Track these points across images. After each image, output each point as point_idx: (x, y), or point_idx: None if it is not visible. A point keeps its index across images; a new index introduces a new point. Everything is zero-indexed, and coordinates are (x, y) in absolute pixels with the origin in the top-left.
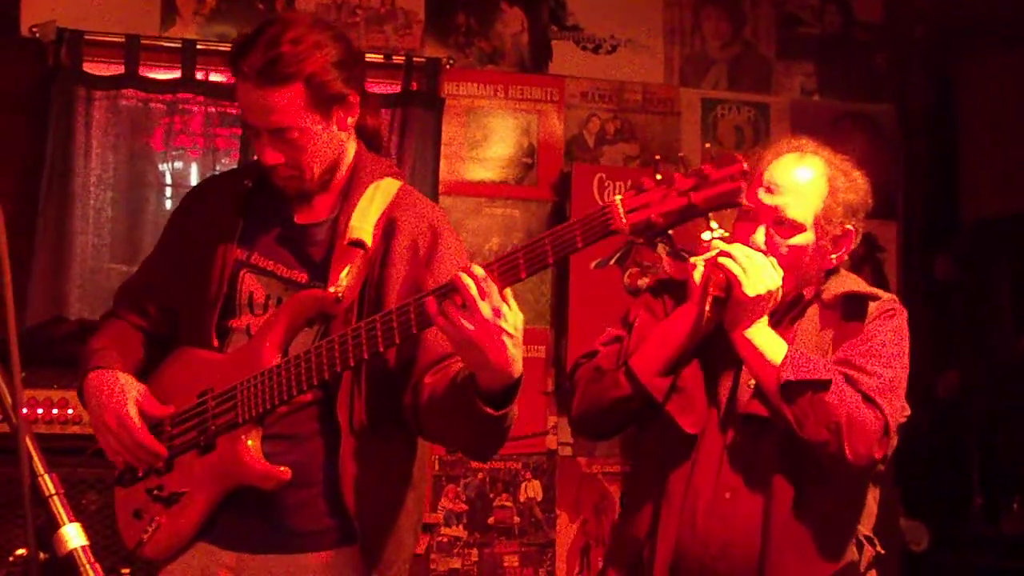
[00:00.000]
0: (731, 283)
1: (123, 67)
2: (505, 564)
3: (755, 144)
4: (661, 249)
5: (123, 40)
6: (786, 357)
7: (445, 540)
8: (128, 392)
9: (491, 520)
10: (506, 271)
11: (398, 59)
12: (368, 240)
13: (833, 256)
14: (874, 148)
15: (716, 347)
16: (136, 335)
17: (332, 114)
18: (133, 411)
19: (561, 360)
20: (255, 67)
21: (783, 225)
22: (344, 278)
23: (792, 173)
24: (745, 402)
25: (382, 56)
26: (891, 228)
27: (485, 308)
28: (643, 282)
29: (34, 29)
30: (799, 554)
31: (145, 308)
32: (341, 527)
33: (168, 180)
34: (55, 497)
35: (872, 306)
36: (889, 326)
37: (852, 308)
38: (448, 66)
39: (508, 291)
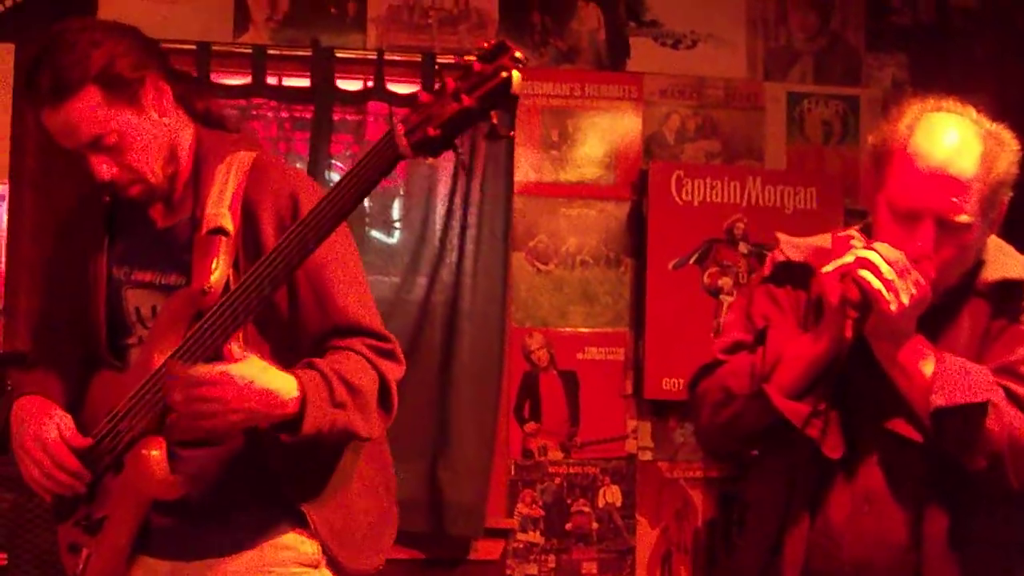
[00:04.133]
0: (871, 299)
1: (195, 74)
2: (583, 571)
3: (844, 138)
4: (743, 247)
5: (195, 48)
6: (936, 375)
7: (521, 546)
8: (51, 417)
9: (569, 526)
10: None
11: (469, 59)
12: (227, 224)
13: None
14: None
15: (856, 353)
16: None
17: (141, 101)
18: (53, 434)
19: (639, 362)
20: (44, 89)
21: (954, 229)
22: (215, 269)
23: (953, 161)
24: (890, 416)
25: (453, 57)
26: None
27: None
28: (724, 282)
29: None
30: None
31: (59, 338)
32: (280, 515)
33: None
34: None
35: None
36: None
37: (1007, 295)
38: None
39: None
